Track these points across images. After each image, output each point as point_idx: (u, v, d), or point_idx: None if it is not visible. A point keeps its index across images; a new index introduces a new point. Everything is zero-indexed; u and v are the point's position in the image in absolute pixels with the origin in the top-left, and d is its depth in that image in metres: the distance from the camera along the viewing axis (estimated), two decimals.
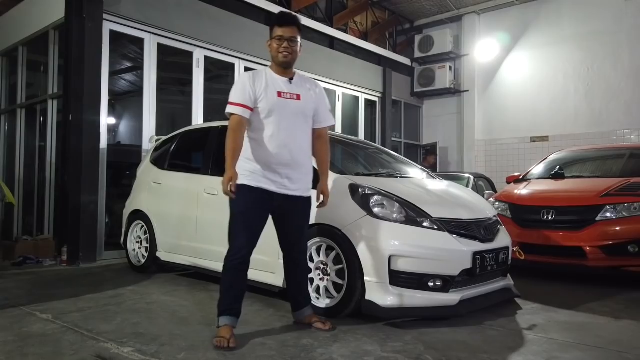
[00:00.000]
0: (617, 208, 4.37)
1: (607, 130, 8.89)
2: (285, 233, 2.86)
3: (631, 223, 4.28)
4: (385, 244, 2.96)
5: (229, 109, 2.65)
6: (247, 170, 2.65)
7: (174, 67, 7.24)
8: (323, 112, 2.88)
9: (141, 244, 4.80)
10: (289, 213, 2.78)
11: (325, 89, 9.55)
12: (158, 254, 4.58)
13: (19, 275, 4.67)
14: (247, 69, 7.27)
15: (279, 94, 2.69)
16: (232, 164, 2.56)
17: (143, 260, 4.76)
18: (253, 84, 2.66)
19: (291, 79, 2.76)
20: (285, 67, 2.75)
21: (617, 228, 4.31)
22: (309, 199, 2.87)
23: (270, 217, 2.80)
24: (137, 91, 7.46)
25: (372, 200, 3.12)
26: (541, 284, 4.41)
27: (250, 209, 2.65)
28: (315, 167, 2.93)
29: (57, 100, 6.17)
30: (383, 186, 3.28)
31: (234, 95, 2.67)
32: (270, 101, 2.65)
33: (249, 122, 2.68)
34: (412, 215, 3.10)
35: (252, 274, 3.56)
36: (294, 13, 2.74)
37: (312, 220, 3.25)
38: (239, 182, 2.60)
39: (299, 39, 2.74)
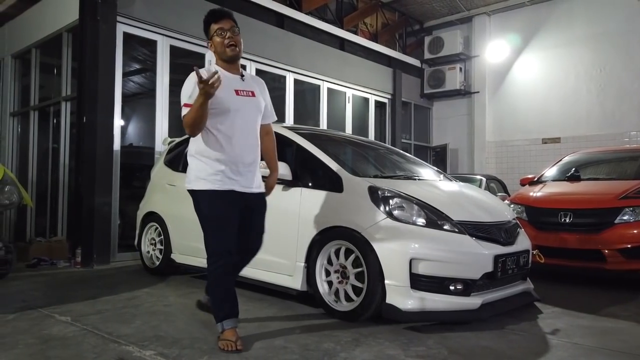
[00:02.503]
0: (636, 210, 4.32)
1: (619, 132, 8.81)
2: (250, 231, 2.73)
3: None
4: (406, 247, 2.93)
5: (185, 111, 2.46)
6: (212, 174, 2.54)
7: (186, 68, 7.24)
8: (269, 108, 2.83)
9: (155, 246, 4.80)
10: (255, 211, 2.71)
11: (336, 91, 9.52)
12: (172, 256, 4.58)
13: (33, 277, 4.68)
14: (258, 71, 7.26)
15: (237, 92, 2.60)
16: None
17: (157, 262, 4.75)
18: None
19: (242, 76, 2.68)
20: (233, 61, 2.64)
21: (636, 231, 4.25)
22: (264, 194, 2.81)
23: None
24: (149, 93, 7.48)
25: (392, 203, 3.10)
26: (559, 287, 4.36)
27: (227, 212, 2.56)
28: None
29: (70, 102, 6.19)
30: (402, 188, 3.26)
31: (188, 96, 2.48)
32: (229, 100, 2.55)
33: (207, 125, 2.53)
34: (433, 218, 3.07)
35: (269, 277, 3.59)
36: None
37: (330, 223, 3.26)
38: (209, 187, 2.52)
39: (239, 30, 2.63)
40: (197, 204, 2.62)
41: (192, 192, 2.62)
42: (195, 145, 2.61)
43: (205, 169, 2.56)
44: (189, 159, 2.67)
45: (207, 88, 2.27)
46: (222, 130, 2.55)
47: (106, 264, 5.35)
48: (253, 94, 2.67)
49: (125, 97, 6.94)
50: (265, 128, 2.85)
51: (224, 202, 2.55)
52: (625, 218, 4.33)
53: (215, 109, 2.51)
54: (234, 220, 2.59)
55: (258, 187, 2.70)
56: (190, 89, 2.50)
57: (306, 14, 8.15)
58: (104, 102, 5.41)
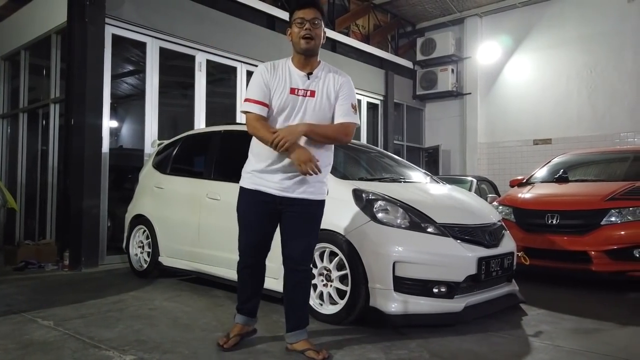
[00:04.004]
0: (623, 212, 4.34)
1: (610, 133, 8.85)
2: (288, 238, 2.56)
3: (636, 227, 4.24)
4: (390, 249, 2.93)
5: (245, 106, 2.47)
6: (247, 172, 2.59)
7: (176, 70, 7.24)
8: (341, 106, 2.52)
9: (143, 249, 4.78)
10: (293, 216, 2.51)
11: None
12: (160, 259, 4.56)
13: (20, 280, 4.65)
14: (249, 73, 7.25)
15: (292, 91, 2.45)
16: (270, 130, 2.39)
17: (145, 265, 4.73)
18: (269, 78, 2.47)
19: (310, 73, 2.49)
20: (308, 55, 2.47)
21: (623, 232, 4.27)
22: (318, 202, 2.56)
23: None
24: (139, 94, 7.46)
25: (375, 206, 3.10)
26: (546, 289, 4.37)
27: (250, 212, 2.55)
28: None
29: (60, 104, 6.16)
30: (387, 191, 3.26)
31: (251, 90, 2.50)
32: (282, 98, 2.45)
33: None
34: (417, 220, 3.07)
35: None
36: None
37: None
38: (241, 184, 2.59)
39: (321, 22, 2.47)
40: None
41: None
42: (251, 141, 2.63)
43: (245, 166, 2.61)
44: None
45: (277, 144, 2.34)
46: None
47: (94, 266, 5.32)
48: (312, 94, 2.47)
49: (114, 99, 6.92)
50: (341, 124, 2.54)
51: (246, 201, 2.55)
52: (611, 219, 4.35)
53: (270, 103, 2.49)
54: (254, 222, 2.55)
55: (303, 192, 2.49)
56: (251, 84, 2.51)
57: None
58: (92, 103, 5.39)
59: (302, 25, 2.43)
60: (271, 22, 7.73)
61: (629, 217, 4.31)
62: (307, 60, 2.50)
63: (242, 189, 2.59)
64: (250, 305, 2.68)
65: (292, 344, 2.56)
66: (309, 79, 2.49)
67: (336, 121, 2.54)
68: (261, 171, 2.51)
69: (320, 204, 2.60)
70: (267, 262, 3.46)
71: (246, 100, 2.50)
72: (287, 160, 2.44)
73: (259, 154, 2.54)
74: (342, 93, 2.54)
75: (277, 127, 2.47)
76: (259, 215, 2.54)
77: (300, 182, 2.49)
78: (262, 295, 3.59)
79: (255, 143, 2.58)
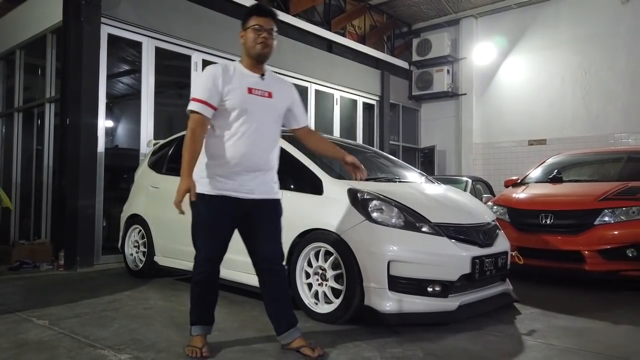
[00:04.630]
0: (616, 212, 4.37)
1: (604, 134, 8.91)
2: (258, 240, 2.56)
3: (629, 227, 4.28)
4: (384, 249, 2.95)
5: (191, 105, 2.39)
6: (204, 176, 2.45)
7: (172, 70, 7.24)
8: (299, 111, 2.69)
9: (139, 249, 4.78)
10: (260, 218, 2.52)
11: (323, 92, 9.50)
12: (155, 259, 4.56)
13: (15, 280, 4.64)
14: None
15: (250, 91, 2.45)
16: (190, 172, 2.35)
17: (140, 265, 4.73)
18: (221, 79, 2.40)
19: (262, 75, 2.53)
20: (260, 61, 2.51)
21: (616, 232, 4.31)
22: (278, 201, 2.62)
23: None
24: (135, 94, 7.45)
25: (370, 205, 3.11)
26: (540, 288, 4.40)
27: (215, 220, 2.45)
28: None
29: (55, 104, 6.15)
30: (382, 191, 3.28)
31: (198, 90, 2.41)
32: (240, 98, 2.41)
33: (211, 122, 2.44)
34: (411, 220, 3.09)
35: (250, 279, 3.57)
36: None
37: (310, 225, 3.27)
38: (199, 190, 2.40)
39: (276, 34, 2.53)
40: (191, 206, 2.49)
41: None
42: (204, 142, 2.49)
43: (200, 170, 2.46)
44: None
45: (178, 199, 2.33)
46: (227, 129, 2.43)
47: (90, 266, 5.31)
48: (270, 95, 2.51)
49: (110, 98, 6.91)
50: (304, 129, 2.73)
51: (209, 207, 2.43)
52: (605, 219, 4.38)
53: (223, 106, 2.41)
54: (220, 229, 2.48)
55: (266, 193, 2.52)
56: (203, 84, 2.41)
57: (293, 16, 8.16)
58: (87, 103, 5.39)
59: (260, 32, 2.47)
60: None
61: (622, 217, 4.34)
62: (257, 64, 2.54)
63: (202, 196, 2.41)
64: (211, 313, 2.59)
65: (289, 344, 2.57)
66: (262, 79, 2.53)
67: (301, 125, 2.72)
68: (224, 175, 2.43)
69: (280, 202, 2.65)
70: None
71: (192, 99, 2.41)
72: (250, 161, 2.44)
73: (220, 156, 2.43)
74: (296, 99, 2.70)
75: (234, 129, 2.41)
76: (226, 222, 2.47)
77: (262, 183, 2.51)
78: (255, 294, 3.63)
79: (212, 144, 2.46)
